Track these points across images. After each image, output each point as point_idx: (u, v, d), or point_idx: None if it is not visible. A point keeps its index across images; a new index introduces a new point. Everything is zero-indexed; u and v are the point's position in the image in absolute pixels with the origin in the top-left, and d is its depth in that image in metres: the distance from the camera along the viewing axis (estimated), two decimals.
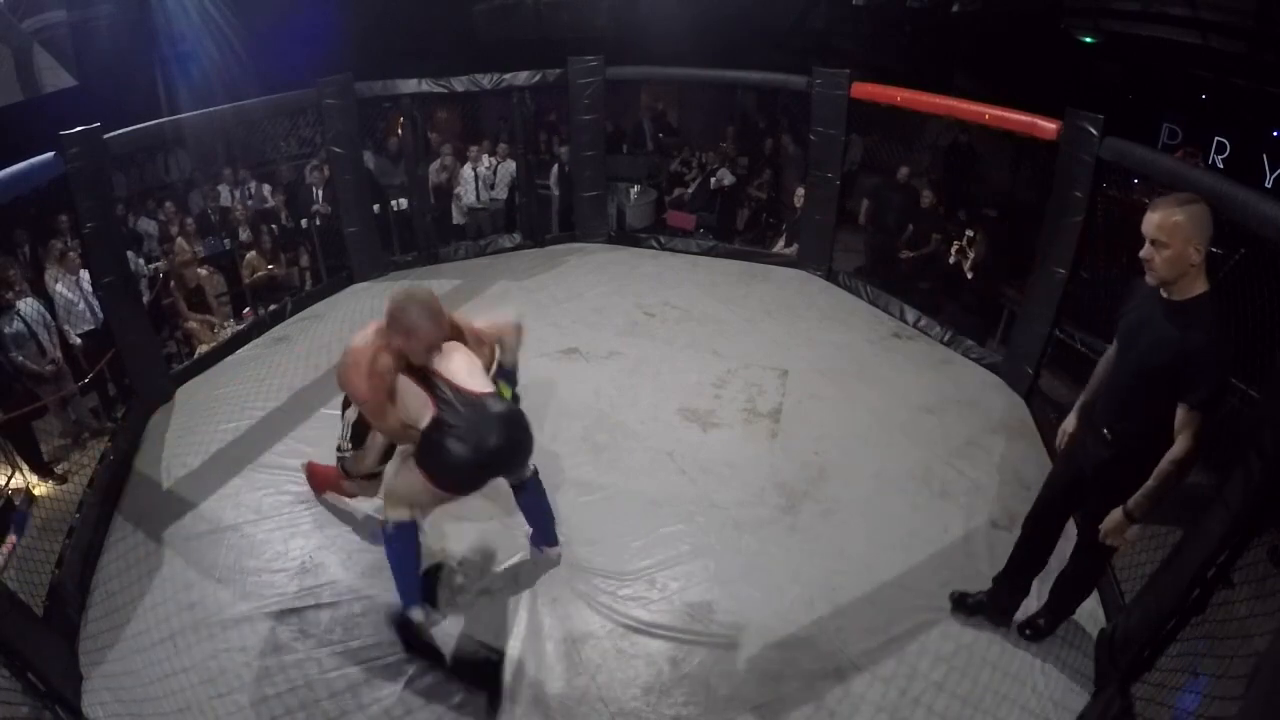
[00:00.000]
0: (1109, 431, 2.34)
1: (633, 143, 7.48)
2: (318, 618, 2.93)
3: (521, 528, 3.31)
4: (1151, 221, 2.06)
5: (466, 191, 6.66)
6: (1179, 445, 2.08)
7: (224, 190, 6.13)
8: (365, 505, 3.40)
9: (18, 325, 4.28)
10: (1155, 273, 2.09)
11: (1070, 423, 2.59)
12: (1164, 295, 2.13)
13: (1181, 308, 2.09)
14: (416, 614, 2.73)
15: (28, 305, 4.39)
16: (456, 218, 6.71)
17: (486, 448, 2.44)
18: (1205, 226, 2.03)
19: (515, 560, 3.17)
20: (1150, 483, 2.16)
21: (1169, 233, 2.02)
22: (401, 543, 2.68)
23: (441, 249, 6.47)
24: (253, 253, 5.63)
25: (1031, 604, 2.87)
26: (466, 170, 6.65)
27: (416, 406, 2.50)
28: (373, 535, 3.30)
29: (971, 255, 5.24)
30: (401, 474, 2.67)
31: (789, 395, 4.34)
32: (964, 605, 2.95)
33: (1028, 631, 2.85)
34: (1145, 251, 2.09)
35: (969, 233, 5.35)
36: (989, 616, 2.91)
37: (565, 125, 6.70)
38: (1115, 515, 2.26)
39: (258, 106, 5.28)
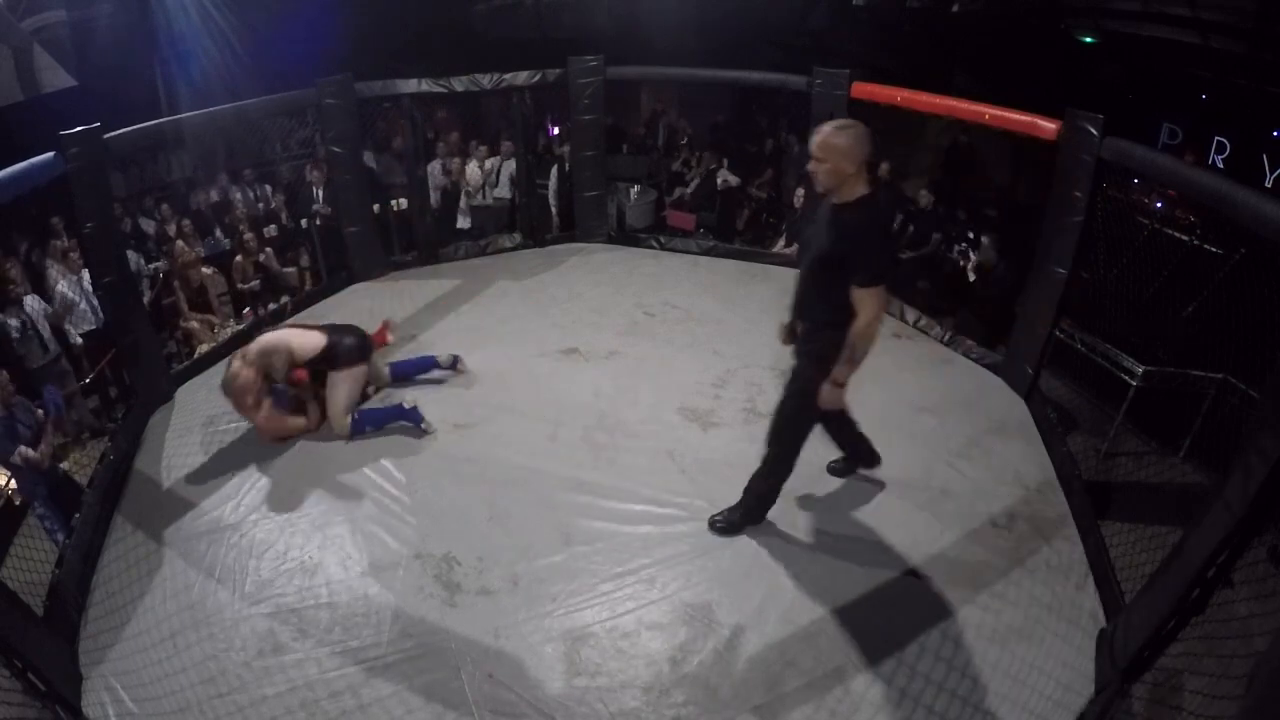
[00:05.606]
0: (802, 323, 2.85)
1: (646, 144, 7.48)
2: (318, 618, 2.93)
3: (518, 524, 3.32)
4: (814, 142, 2.50)
5: (475, 190, 6.64)
6: (860, 318, 2.54)
7: (224, 190, 6.13)
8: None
9: (21, 321, 4.28)
10: (819, 182, 2.55)
11: (783, 326, 3.02)
12: (833, 201, 2.58)
13: (844, 207, 2.55)
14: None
15: (33, 301, 4.40)
16: (461, 222, 6.70)
17: None
18: (858, 144, 2.46)
19: (515, 560, 3.17)
20: (845, 353, 2.62)
21: (826, 151, 2.47)
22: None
23: (441, 249, 6.46)
24: (239, 257, 5.60)
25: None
26: (472, 168, 6.64)
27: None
28: (372, 534, 3.31)
29: (974, 258, 5.22)
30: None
31: None
32: (834, 469, 3.59)
33: (719, 523, 3.26)
34: (810, 166, 2.54)
35: (970, 234, 5.33)
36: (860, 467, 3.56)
37: (564, 124, 6.69)
38: (826, 388, 2.70)
39: (258, 106, 5.28)
